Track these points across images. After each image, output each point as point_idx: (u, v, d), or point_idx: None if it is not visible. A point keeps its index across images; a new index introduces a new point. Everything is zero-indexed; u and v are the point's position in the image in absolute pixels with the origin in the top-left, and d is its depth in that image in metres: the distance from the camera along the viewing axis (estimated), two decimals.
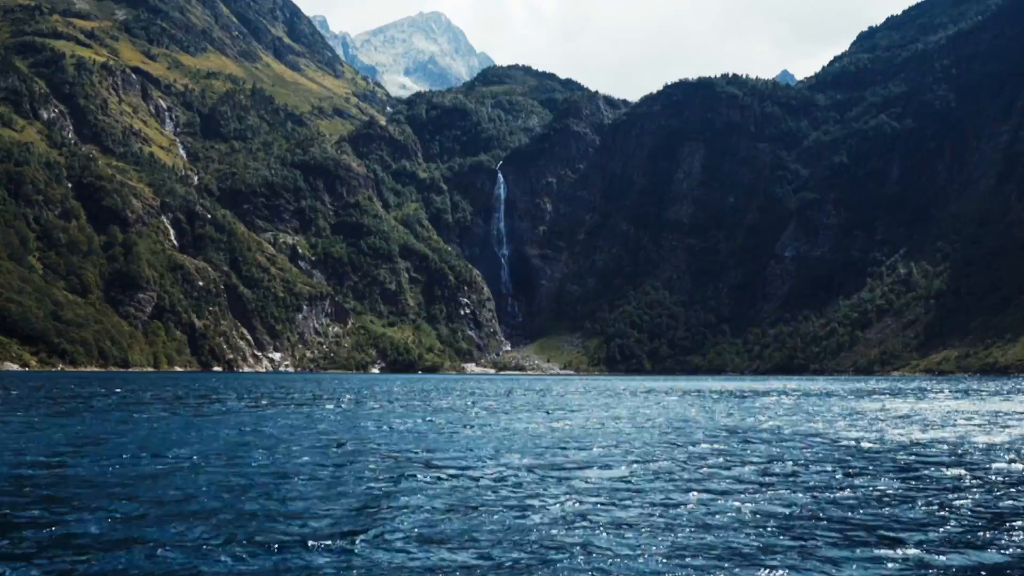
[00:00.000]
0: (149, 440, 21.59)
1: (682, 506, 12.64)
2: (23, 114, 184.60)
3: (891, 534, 10.98)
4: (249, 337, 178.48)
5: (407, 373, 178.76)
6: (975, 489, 14.54)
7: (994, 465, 17.81)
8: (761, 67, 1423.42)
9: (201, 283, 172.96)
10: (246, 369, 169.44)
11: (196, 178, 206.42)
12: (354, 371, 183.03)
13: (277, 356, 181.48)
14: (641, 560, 9.57)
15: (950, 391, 65.31)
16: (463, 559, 9.62)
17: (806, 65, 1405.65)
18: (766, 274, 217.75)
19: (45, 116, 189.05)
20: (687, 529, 11.11)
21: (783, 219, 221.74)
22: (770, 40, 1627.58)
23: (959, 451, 20.54)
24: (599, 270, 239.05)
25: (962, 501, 13.34)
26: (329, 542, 10.22)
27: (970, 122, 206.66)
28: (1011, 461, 18.48)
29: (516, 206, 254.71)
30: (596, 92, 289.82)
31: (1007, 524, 11.65)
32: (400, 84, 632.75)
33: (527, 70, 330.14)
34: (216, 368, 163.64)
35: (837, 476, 16.00)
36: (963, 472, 16.57)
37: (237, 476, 15.19)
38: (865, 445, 21.84)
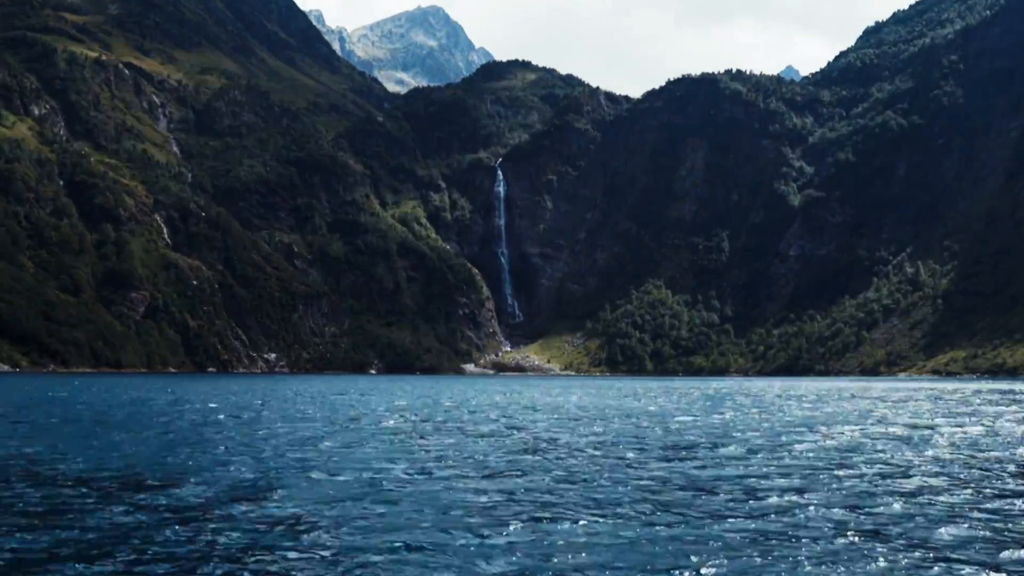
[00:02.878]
0: None
1: None
2: (14, 110, 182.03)
3: None
4: (244, 337, 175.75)
5: (404, 374, 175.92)
6: None
7: None
8: (765, 62, 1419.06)
9: (195, 282, 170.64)
10: (241, 370, 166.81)
11: (190, 175, 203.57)
12: (351, 372, 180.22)
13: (273, 357, 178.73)
14: None
15: None
16: None
17: (811, 61, 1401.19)
18: (770, 273, 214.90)
19: (36, 112, 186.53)
20: None
21: (787, 217, 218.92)
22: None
23: None
24: (600, 269, 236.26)
25: None
26: None
27: (978, 118, 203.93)
28: None
29: (516, 204, 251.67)
30: (597, 88, 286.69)
31: None
32: (398, 79, 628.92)
33: (527, 65, 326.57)
34: (211, 369, 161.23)
35: None
36: None
37: None
38: None
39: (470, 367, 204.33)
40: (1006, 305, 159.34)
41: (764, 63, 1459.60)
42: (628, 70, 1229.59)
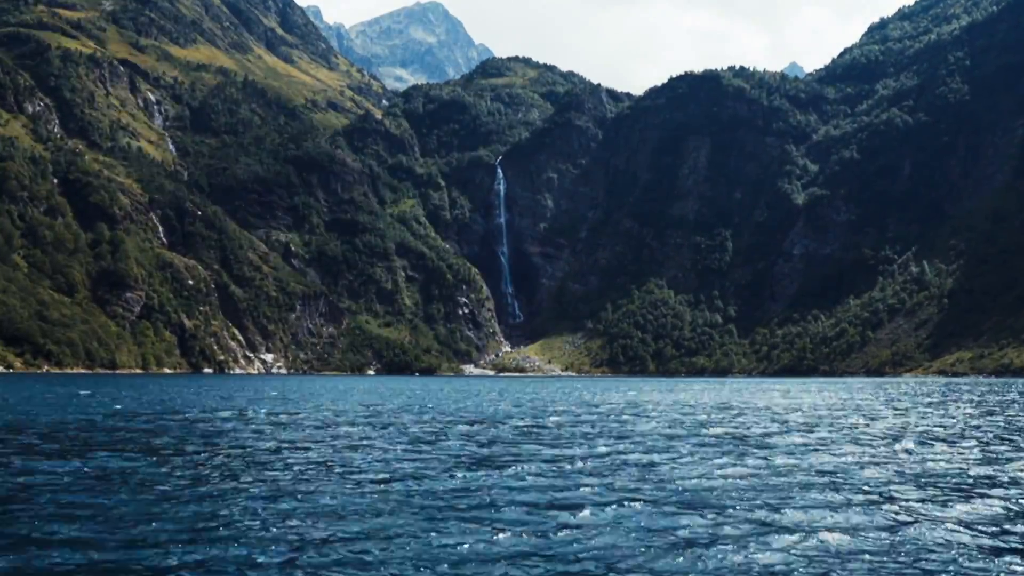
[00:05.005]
0: None
1: None
2: (7, 107, 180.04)
3: None
4: (241, 338, 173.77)
5: (402, 375, 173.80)
6: None
7: None
8: (769, 59, 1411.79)
9: (191, 282, 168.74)
10: (237, 371, 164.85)
11: (186, 173, 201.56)
12: (349, 373, 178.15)
13: (269, 357, 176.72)
14: None
15: None
16: None
17: (815, 57, 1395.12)
18: (774, 273, 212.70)
19: (30, 110, 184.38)
20: None
21: (791, 216, 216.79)
22: None
23: None
24: (602, 268, 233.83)
25: None
26: None
27: (984, 116, 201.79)
28: None
29: (516, 202, 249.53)
30: (599, 85, 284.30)
31: None
32: (396, 76, 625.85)
33: (527, 62, 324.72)
34: (207, 370, 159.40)
35: None
36: None
37: None
38: None
39: (469, 368, 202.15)
40: (1013, 305, 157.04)
41: (766, 60, 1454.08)
42: (628, 66, 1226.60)
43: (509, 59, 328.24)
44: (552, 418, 31.26)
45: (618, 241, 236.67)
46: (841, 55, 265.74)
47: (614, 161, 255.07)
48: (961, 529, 10.73)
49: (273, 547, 9.57)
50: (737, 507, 12.03)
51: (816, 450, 19.67)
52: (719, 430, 25.43)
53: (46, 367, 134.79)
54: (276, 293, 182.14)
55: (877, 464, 17.03)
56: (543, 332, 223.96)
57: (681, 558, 9.26)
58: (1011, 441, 22.03)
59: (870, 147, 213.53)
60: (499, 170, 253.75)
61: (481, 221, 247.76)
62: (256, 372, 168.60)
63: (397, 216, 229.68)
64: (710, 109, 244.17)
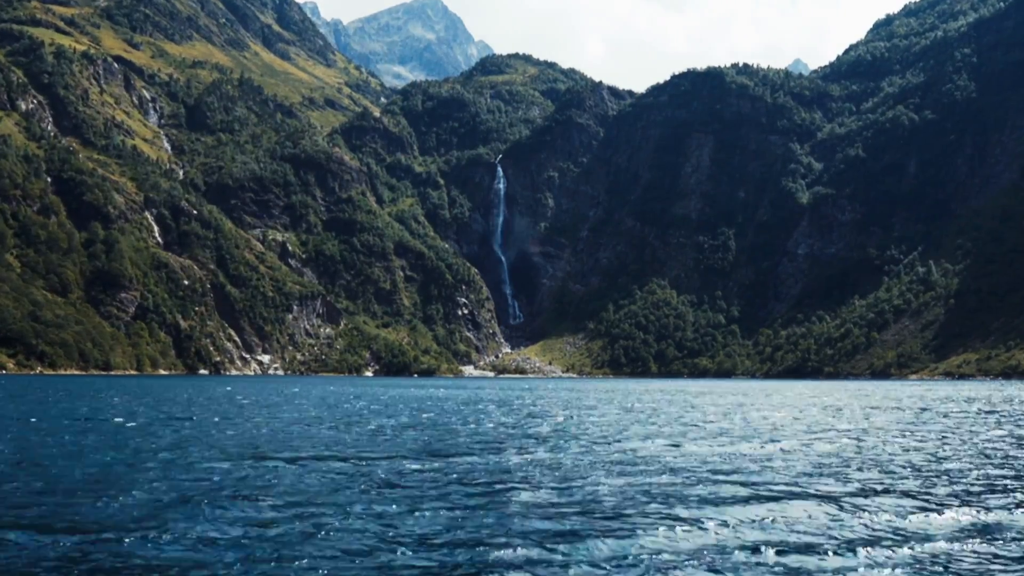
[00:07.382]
0: None
1: None
2: (0, 105, 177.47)
3: None
4: (237, 339, 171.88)
5: (401, 376, 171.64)
6: None
7: None
8: (773, 56, 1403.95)
9: (186, 282, 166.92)
10: (234, 372, 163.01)
11: (181, 172, 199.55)
12: (346, 374, 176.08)
13: (266, 359, 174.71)
14: None
15: None
16: None
17: (820, 54, 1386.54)
18: (778, 273, 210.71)
19: (23, 107, 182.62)
20: None
21: (796, 215, 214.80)
22: None
23: None
24: (603, 268, 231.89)
25: None
26: None
27: (992, 113, 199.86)
28: None
29: (516, 201, 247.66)
30: (600, 82, 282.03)
31: None
32: (395, 73, 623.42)
33: (528, 59, 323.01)
34: (203, 371, 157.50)
35: None
36: None
37: None
38: None
39: (469, 369, 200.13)
40: (1020, 305, 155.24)
41: (772, 57, 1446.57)
42: (631, 64, 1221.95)
43: (509, 56, 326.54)
44: None
45: (620, 240, 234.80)
46: (846, 52, 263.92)
47: (616, 159, 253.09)
48: None
49: None
50: None
51: None
52: None
53: (39, 368, 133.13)
54: (273, 293, 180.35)
55: None
56: (543, 333, 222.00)
57: None
58: None
59: (875, 145, 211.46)
60: (499, 168, 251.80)
61: (480, 220, 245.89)
62: (252, 373, 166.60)
63: (396, 215, 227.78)
64: (713, 107, 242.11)
